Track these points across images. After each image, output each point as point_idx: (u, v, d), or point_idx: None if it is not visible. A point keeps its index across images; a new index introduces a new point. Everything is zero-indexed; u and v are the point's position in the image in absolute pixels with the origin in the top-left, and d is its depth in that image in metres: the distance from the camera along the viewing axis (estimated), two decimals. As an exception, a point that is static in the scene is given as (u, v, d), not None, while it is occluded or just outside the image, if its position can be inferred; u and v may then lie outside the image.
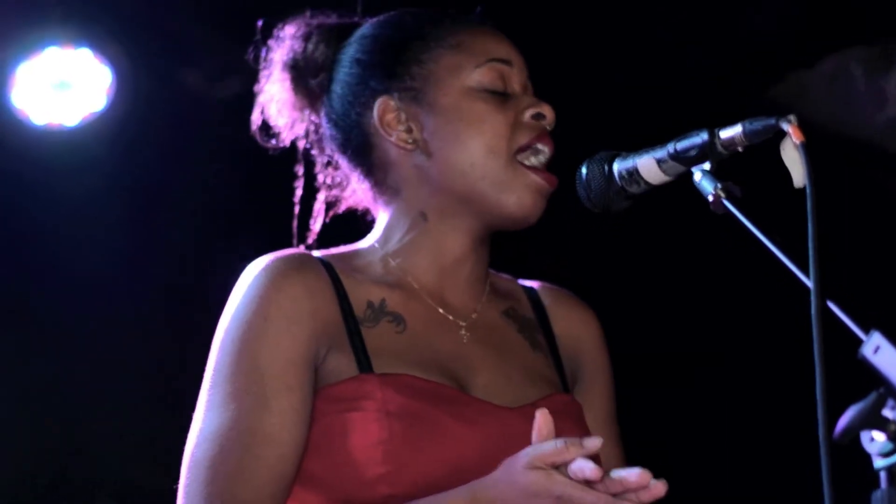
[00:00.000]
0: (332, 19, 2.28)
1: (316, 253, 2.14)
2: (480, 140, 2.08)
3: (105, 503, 4.41)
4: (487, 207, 2.10)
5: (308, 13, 2.28)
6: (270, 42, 2.27)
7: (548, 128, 2.14)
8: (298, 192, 2.28)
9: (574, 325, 2.25)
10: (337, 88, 2.21)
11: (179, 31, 4.09)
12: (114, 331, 4.36)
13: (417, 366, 2.03)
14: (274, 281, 2.02)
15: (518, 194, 2.09)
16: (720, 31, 4.26)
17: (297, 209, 2.28)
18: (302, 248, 2.19)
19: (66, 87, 4.02)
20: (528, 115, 2.12)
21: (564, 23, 4.06)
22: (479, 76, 2.12)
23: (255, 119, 2.28)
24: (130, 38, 4.04)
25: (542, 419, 1.84)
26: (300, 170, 2.29)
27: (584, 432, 2.08)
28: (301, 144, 2.28)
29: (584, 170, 1.97)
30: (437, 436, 1.96)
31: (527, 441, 1.85)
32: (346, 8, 2.32)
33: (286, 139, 2.28)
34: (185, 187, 4.30)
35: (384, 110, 2.14)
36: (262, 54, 2.28)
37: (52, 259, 4.31)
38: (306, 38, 2.25)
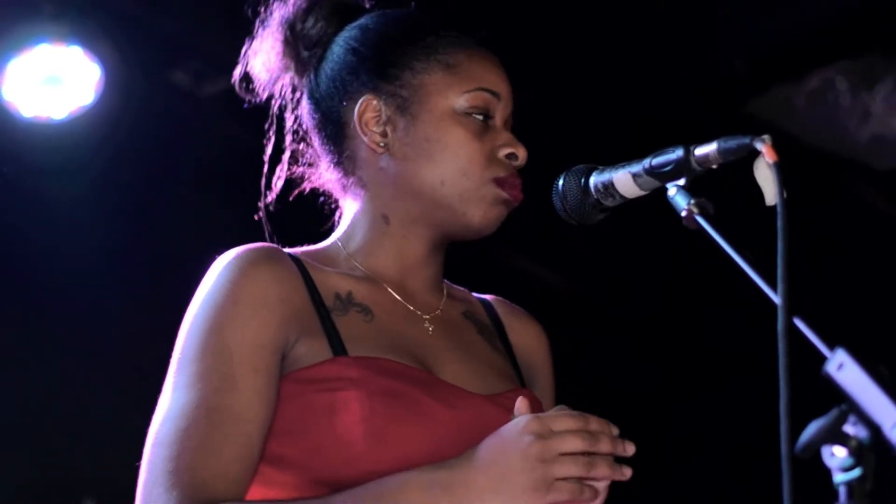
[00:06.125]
0: None
1: (285, 249, 2.16)
2: (455, 163, 2.11)
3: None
4: (451, 218, 2.13)
5: None
6: (274, 2, 2.26)
7: (517, 167, 2.16)
8: (268, 151, 2.27)
9: (528, 338, 2.29)
10: (326, 69, 2.21)
11: (168, 29, 4.11)
12: (99, 328, 4.37)
13: (390, 351, 2.05)
14: (243, 268, 2.03)
15: (485, 209, 2.12)
16: (705, 47, 4.29)
17: (265, 168, 2.27)
18: (270, 244, 2.19)
19: (55, 81, 4.05)
20: (502, 153, 2.14)
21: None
22: (465, 101, 2.14)
23: (238, 72, 2.27)
24: (120, 35, 4.05)
25: (522, 404, 1.92)
26: (271, 130, 2.27)
27: None
28: (275, 103, 2.27)
29: (560, 182, 2.00)
30: (417, 414, 1.98)
31: (499, 427, 1.89)
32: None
33: (263, 94, 2.27)
34: (170, 181, 4.32)
35: (366, 108, 2.16)
36: (262, 12, 2.27)
37: (37, 251, 4.32)
38: (310, 8, 2.25)
